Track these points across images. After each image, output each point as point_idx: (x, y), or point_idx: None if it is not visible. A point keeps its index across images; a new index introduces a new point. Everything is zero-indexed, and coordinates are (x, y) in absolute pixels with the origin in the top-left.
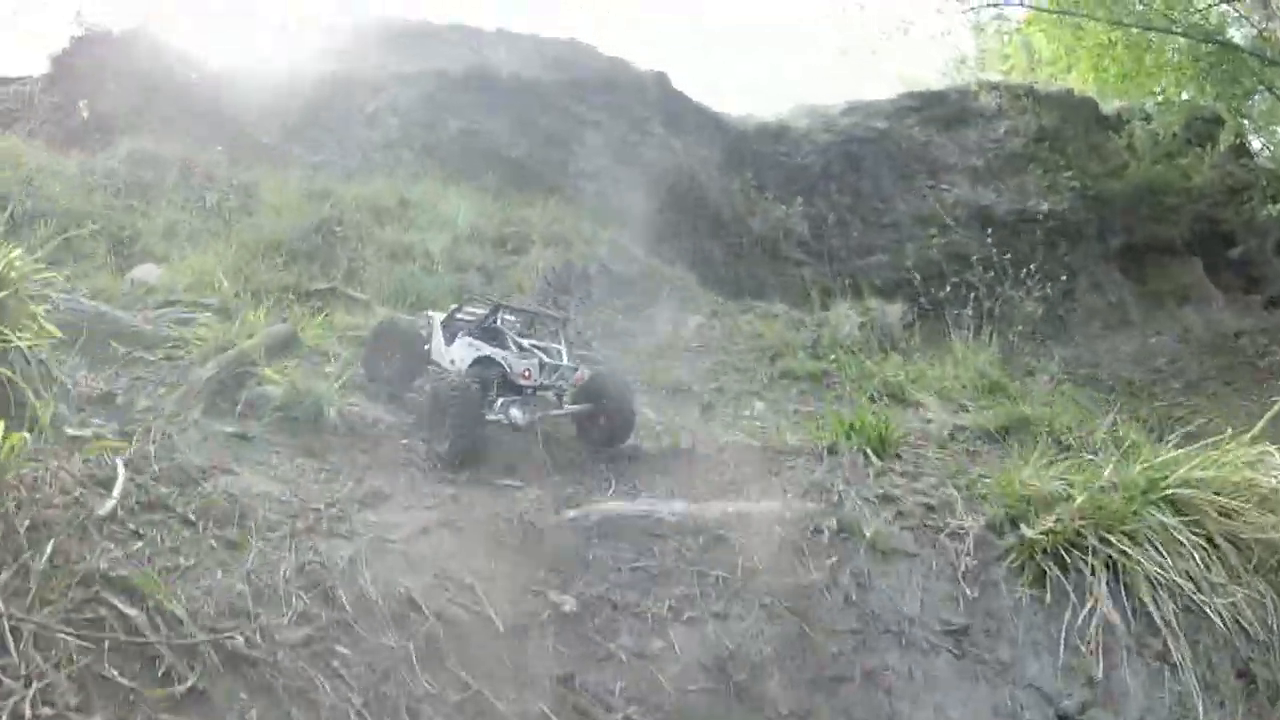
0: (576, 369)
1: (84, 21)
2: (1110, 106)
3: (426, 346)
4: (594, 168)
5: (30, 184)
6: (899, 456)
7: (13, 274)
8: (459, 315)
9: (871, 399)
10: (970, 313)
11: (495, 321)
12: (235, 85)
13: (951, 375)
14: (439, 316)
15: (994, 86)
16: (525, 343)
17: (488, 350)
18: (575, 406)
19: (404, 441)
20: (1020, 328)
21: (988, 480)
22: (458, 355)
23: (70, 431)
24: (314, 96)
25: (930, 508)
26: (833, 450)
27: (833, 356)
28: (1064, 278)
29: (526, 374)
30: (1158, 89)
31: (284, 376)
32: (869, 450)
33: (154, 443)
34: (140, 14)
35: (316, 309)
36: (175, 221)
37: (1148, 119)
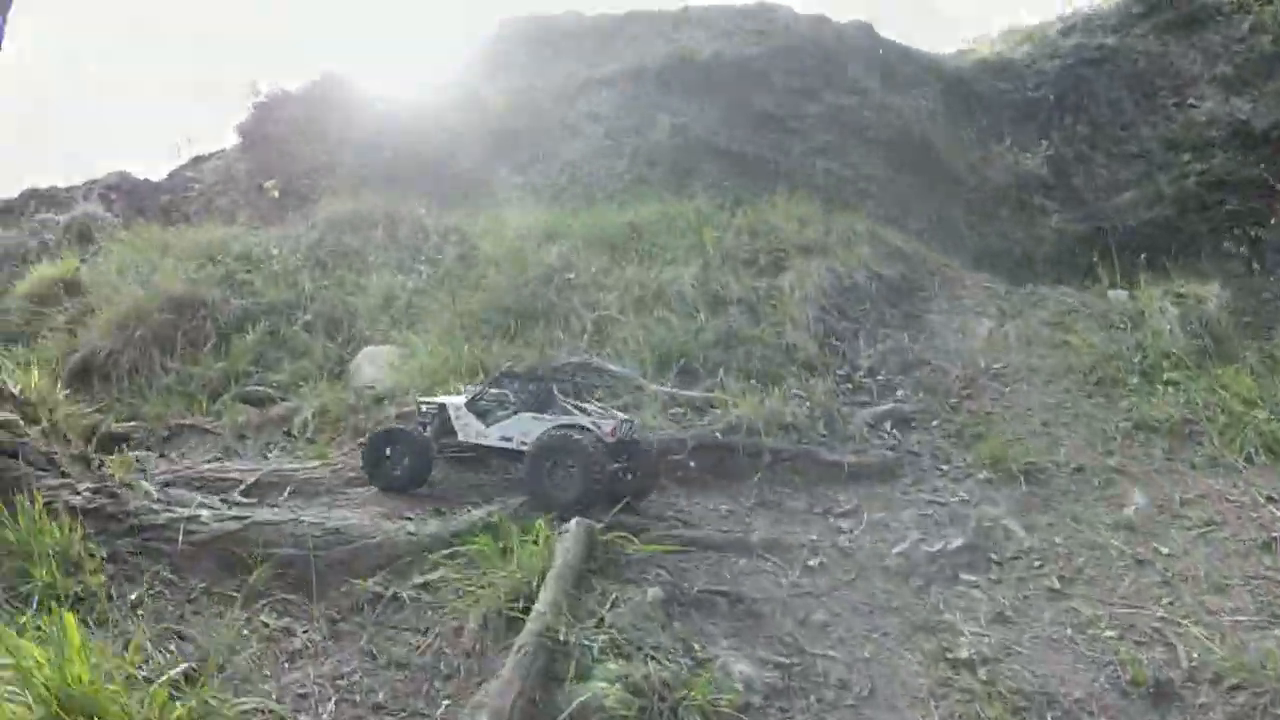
0: (632, 423)
1: (260, 90)
2: None
3: (428, 427)
4: (819, 144)
5: (232, 282)
6: None
7: None
8: (489, 394)
9: (1249, 459)
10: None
11: (543, 391)
12: (422, 117)
13: None
14: (455, 400)
15: None
16: (589, 406)
17: (563, 420)
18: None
19: None
20: None
21: None
22: (517, 431)
23: None
24: (506, 115)
25: None
26: None
27: (1166, 377)
28: None
29: (613, 431)
30: None
31: (611, 659)
32: None
33: None
34: (314, 67)
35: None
36: (389, 288)
37: None
